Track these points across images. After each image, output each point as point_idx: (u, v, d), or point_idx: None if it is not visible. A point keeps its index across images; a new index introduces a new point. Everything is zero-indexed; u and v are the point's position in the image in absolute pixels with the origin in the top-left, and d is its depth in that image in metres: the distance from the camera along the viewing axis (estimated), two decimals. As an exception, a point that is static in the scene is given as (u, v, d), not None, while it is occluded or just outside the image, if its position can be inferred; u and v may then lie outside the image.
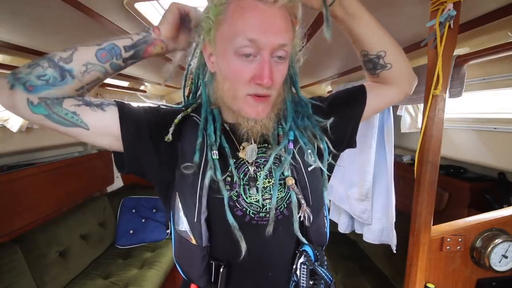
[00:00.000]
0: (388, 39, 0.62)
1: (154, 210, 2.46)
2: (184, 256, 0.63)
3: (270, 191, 0.59)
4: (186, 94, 0.70)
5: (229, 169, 0.58)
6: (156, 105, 0.65)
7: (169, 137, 0.57)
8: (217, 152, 0.57)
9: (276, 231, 0.58)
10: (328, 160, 0.63)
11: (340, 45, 1.18)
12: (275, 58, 0.52)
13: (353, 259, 2.12)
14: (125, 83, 2.24)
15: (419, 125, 1.52)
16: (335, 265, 2.04)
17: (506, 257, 0.75)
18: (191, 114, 0.63)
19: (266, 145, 0.62)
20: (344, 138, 0.69)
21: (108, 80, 2.00)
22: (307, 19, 0.89)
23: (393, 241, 1.46)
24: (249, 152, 0.60)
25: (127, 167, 0.59)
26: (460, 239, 0.77)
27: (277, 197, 0.59)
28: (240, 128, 0.58)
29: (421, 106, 1.10)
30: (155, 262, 2.04)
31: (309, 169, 0.62)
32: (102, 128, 0.54)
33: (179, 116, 0.60)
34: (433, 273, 0.78)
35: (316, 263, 0.61)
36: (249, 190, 0.59)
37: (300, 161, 0.61)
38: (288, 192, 0.60)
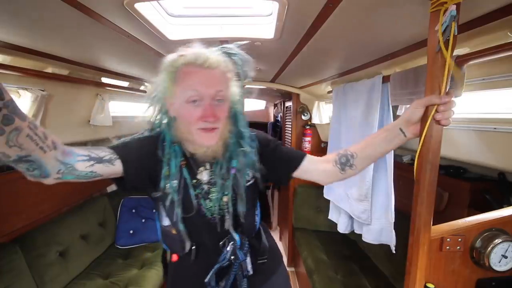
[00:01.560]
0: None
1: (154, 210, 2.44)
2: (168, 239, 0.94)
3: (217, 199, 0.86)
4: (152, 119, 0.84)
5: (199, 185, 0.85)
6: (140, 136, 0.84)
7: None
8: (176, 182, 0.81)
9: (222, 223, 0.87)
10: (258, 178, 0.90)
11: (340, 45, 1.18)
12: (216, 102, 0.76)
13: (353, 259, 2.12)
14: (125, 83, 2.23)
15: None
16: (335, 265, 2.04)
17: (505, 257, 0.75)
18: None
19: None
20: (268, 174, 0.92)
21: (108, 80, 1.99)
22: (306, 19, 0.89)
23: (392, 241, 1.46)
24: (204, 175, 0.86)
25: (128, 187, 0.79)
26: (460, 239, 0.77)
27: (220, 204, 0.86)
28: (197, 154, 0.82)
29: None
30: (155, 262, 2.04)
31: (247, 184, 0.88)
32: (111, 173, 0.73)
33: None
34: (433, 273, 0.78)
35: (238, 248, 0.88)
36: (204, 201, 0.85)
37: (239, 179, 0.86)
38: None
